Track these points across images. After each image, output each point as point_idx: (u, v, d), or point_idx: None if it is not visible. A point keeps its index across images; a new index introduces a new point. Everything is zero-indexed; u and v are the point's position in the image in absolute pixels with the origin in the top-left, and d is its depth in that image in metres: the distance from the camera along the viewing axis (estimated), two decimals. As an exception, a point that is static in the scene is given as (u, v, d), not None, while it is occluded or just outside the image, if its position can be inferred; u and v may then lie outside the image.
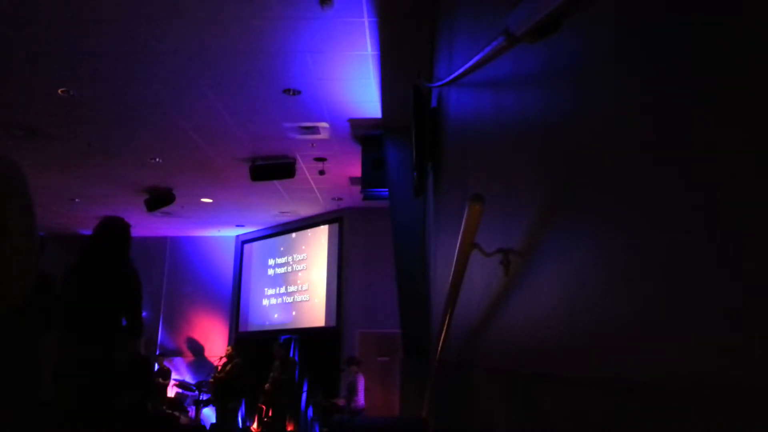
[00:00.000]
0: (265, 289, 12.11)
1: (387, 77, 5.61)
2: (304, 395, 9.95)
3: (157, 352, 12.04)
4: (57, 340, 3.22)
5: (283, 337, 10.39)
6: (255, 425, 9.81)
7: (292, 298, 11.52)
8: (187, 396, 10.89)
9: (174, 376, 11.33)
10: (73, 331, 3.29)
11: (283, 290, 11.72)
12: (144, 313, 11.15)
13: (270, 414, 9.39)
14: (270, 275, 12.08)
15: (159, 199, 9.39)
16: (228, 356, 10.34)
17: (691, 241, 0.67)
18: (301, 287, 11.34)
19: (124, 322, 3.41)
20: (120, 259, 3.49)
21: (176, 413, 9.28)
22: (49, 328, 3.15)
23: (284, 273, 11.79)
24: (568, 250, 1.13)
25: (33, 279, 1.90)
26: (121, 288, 3.41)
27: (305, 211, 10.98)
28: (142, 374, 5.34)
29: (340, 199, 10.11)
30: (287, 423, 9.63)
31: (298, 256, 11.56)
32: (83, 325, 3.31)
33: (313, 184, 9.19)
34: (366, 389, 8.82)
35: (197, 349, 12.61)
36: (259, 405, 9.61)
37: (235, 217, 11.55)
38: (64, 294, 3.33)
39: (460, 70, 2.03)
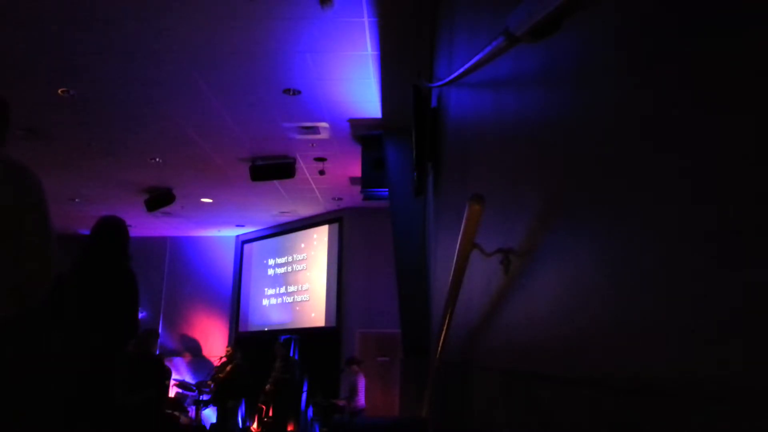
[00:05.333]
0: (265, 289, 12.10)
1: (387, 77, 5.61)
2: (304, 395, 9.95)
3: (157, 352, 12.02)
4: (58, 340, 3.22)
5: (283, 337, 10.39)
6: (255, 425, 9.81)
7: (292, 298, 11.51)
8: (187, 396, 10.88)
9: (174, 376, 11.32)
10: (73, 330, 3.29)
11: (283, 290, 11.72)
12: (143, 314, 11.17)
13: (270, 414, 9.38)
14: (270, 275, 12.08)
15: (159, 199, 9.38)
16: (228, 356, 10.33)
17: (691, 241, 0.67)
18: (301, 287, 11.34)
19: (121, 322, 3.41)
20: (117, 258, 3.49)
21: (176, 413, 9.27)
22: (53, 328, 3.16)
23: (284, 273, 11.78)
24: (568, 250, 1.13)
25: (50, 282, 1.91)
26: (118, 288, 3.42)
27: (305, 211, 10.98)
28: (155, 373, 5.35)
29: (340, 199, 10.11)
30: (287, 423, 9.62)
31: (298, 256, 11.56)
32: (82, 325, 3.31)
33: (313, 184, 9.19)
34: (366, 389, 8.82)
35: (197, 348, 12.61)
36: (259, 405, 9.61)
37: (235, 217, 11.55)
38: (66, 294, 3.34)
39: (460, 70, 2.03)
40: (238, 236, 12.99)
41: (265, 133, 7.14)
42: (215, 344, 12.44)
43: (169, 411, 9.17)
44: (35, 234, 1.95)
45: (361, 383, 8.70)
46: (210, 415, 10.81)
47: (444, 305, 2.42)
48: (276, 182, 8.82)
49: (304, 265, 11.41)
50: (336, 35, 4.94)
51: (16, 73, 5.61)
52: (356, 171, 7.78)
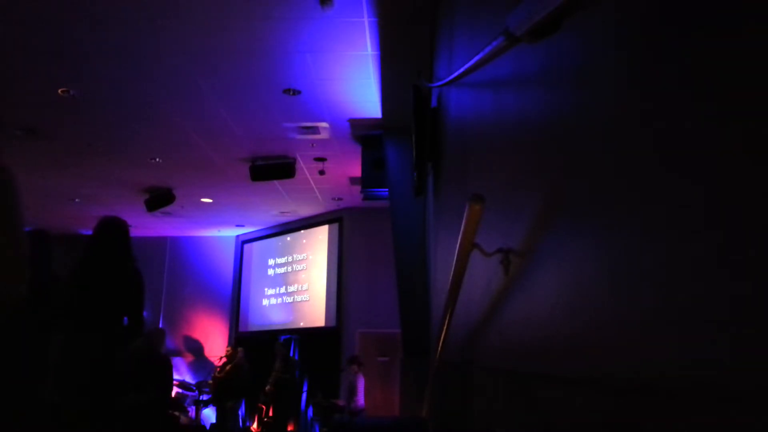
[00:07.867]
0: (265, 289, 12.10)
1: (387, 77, 5.61)
2: (304, 395, 9.95)
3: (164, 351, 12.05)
4: (60, 340, 3.22)
5: (283, 337, 10.39)
6: (255, 425, 9.81)
7: (292, 298, 11.51)
8: (187, 396, 10.89)
9: (174, 376, 11.32)
10: (76, 331, 3.29)
11: (283, 290, 11.72)
12: (144, 313, 11.15)
13: (270, 414, 9.39)
14: (270, 275, 12.08)
15: (159, 199, 9.38)
16: (228, 356, 10.33)
17: (691, 241, 0.67)
18: (301, 287, 11.34)
19: (125, 322, 3.42)
20: (122, 258, 3.49)
21: (176, 413, 9.28)
22: (54, 328, 3.16)
23: (284, 273, 11.78)
24: (568, 250, 1.13)
25: (24, 281, 1.90)
26: (124, 288, 3.42)
27: (305, 211, 10.98)
28: (162, 373, 5.35)
29: (340, 199, 10.11)
30: (287, 423, 9.63)
31: (298, 256, 11.55)
32: (86, 325, 3.31)
33: (313, 184, 9.18)
34: (366, 389, 8.82)
35: (197, 349, 12.61)
36: (259, 405, 9.61)
37: (235, 217, 11.55)
38: (68, 294, 3.34)
39: (461, 70, 2.03)
40: (238, 236, 12.99)
41: (265, 133, 7.14)
42: (215, 344, 12.44)
43: (169, 411, 9.18)
44: (5, 233, 1.93)
45: (361, 383, 8.70)
46: (210, 415, 10.82)
47: (444, 305, 2.42)
48: (276, 182, 8.82)
49: (304, 265, 11.40)
50: (336, 35, 4.94)
51: (16, 73, 5.61)
52: (356, 171, 7.77)
